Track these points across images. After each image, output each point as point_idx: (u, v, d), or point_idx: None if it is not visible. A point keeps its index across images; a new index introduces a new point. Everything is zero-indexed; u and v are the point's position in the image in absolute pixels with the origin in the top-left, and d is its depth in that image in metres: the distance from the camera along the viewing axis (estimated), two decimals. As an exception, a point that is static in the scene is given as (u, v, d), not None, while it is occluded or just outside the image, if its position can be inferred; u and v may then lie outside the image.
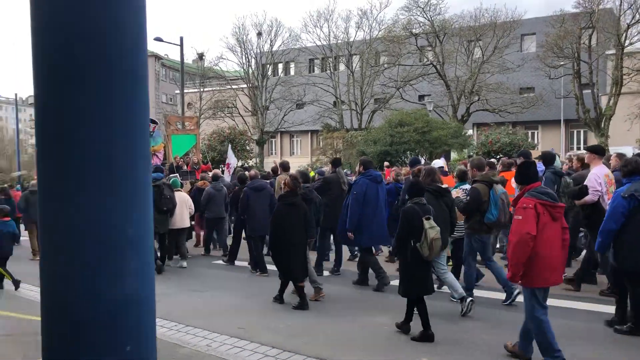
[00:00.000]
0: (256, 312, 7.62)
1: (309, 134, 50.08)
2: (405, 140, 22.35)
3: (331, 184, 9.84)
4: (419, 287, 5.94)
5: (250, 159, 34.25)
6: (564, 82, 33.17)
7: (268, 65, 41.32)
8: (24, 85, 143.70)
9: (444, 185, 7.50)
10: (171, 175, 13.46)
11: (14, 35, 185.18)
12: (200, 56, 41.77)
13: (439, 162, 12.67)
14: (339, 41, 37.59)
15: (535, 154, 17.53)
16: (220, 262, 11.69)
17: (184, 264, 11.14)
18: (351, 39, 36.96)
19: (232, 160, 19.26)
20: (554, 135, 39.47)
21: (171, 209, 10.80)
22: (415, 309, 6.07)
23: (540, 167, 8.88)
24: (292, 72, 44.76)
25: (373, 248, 9.89)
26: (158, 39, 27.71)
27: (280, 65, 43.21)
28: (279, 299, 7.84)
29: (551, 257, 4.92)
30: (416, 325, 6.17)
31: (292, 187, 7.56)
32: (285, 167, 11.37)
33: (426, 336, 5.90)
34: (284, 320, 7.09)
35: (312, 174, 14.97)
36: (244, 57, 40.83)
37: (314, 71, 45.59)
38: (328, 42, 37.86)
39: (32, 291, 9.42)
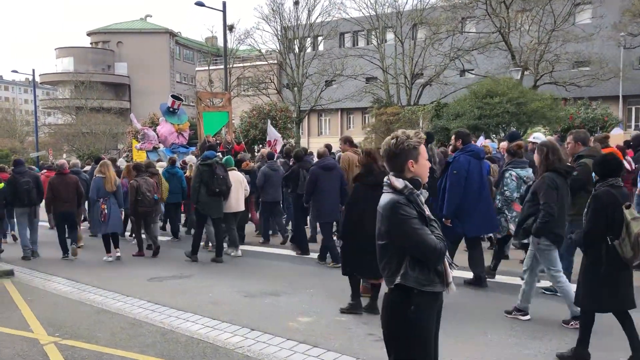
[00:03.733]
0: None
1: (339, 112, 46.80)
2: (498, 113, 19.13)
3: None
4: (616, 299, 4.51)
5: (292, 138, 31.05)
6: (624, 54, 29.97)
7: (304, 38, 37.80)
8: (24, 65, 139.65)
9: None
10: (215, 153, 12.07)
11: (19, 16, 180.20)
12: (230, 28, 38.24)
13: (540, 137, 10.12)
14: (388, 9, 34.08)
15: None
16: (290, 252, 10.07)
17: (239, 252, 9.97)
18: (401, 8, 33.47)
19: (275, 135, 17.39)
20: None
21: (225, 191, 9.51)
22: (585, 326, 4.62)
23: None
24: (329, 45, 41.20)
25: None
26: (199, 4, 24.75)
27: (319, 38, 39.64)
28: (355, 307, 6.20)
29: None
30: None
31: (369, 165, 6.14)
32: (350, 141, 9.63)
33: (581, 356, 4.60)
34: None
35: None
36: (278, 27, 37.41)
37: (354, 44, 42.14)
38: (375, 11, 34.31)
39: (191, 322, 6.28)
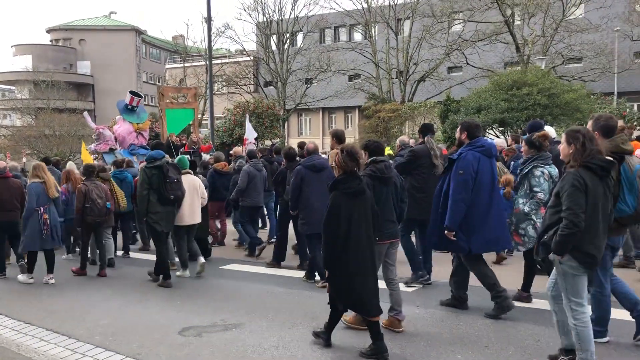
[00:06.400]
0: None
1: (320, 112, 44.39)
2: (528, 105, 16.99)
3: (421, 158, 7.17)
4: None
5: (279, 137, 28.47)
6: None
7: (287, 31, 35.30)
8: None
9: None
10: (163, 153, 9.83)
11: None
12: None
13: (552, 130, 9.04)
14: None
15: None
16: (261, 268, 8.70)
17: (186, 272, 8.36)
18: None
19: (250, 135, 16.00)
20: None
21: (180, 197, 8.05)
22: None
23: None
24: (315, 39, 38.82)
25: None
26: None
27: (304, 31, 37.08)
28: (325, 339, 5.00)
29: None
30: None
31: (348, 168, 4.83)
32: (339, 137, 7.83)
33: None
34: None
35: (388, 151, 12.34)
36: (261, 19, 34.83)
37: (336, 39, 39.83)
38: (367, 3, 32.05)
39: None
